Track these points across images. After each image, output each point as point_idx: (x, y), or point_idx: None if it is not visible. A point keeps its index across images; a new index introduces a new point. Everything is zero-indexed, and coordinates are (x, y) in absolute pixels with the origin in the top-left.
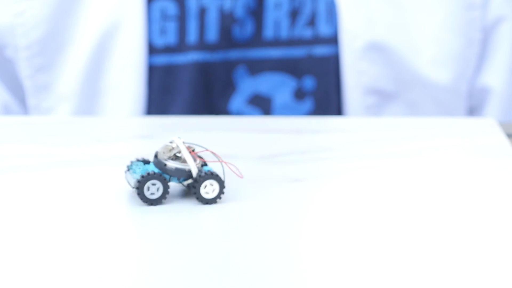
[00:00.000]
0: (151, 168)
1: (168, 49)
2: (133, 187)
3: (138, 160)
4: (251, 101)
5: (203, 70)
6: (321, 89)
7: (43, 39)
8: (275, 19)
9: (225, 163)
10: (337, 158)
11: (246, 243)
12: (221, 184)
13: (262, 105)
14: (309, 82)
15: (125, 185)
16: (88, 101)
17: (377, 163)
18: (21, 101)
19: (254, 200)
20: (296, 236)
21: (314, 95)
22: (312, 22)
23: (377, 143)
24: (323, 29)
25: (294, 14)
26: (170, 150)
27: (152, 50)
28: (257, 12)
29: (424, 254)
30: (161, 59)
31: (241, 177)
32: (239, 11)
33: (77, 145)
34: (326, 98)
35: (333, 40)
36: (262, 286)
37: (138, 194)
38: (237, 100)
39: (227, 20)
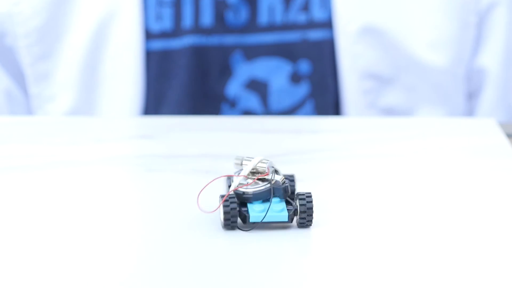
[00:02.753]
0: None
1: (164, 34)
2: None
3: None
4: (247, 85)
5: (199, 54)
6: (317, 73)
7: (41, 28)
8: (269, 4)
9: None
10: (336, 158)
11: (246, 243)
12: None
13: (259, 89)
14: (304, 66)
15: (125, 185)
16: (88, 88)
17: (377, 163)
18: (23, 88)
19: None
20: (296, 235)
21: (310, 79)
22: (306, 6)
23: (377, 143)
24: (317, 13)
25: None
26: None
27: (149, 35)
28: None
29: (424, 253)
30: (158, 44)
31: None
32: None
33: (76, 145)
34: (323, 82)
35: (328, 24)
36: (260, 285)
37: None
38: (234, 85)
39: (220, 5)
